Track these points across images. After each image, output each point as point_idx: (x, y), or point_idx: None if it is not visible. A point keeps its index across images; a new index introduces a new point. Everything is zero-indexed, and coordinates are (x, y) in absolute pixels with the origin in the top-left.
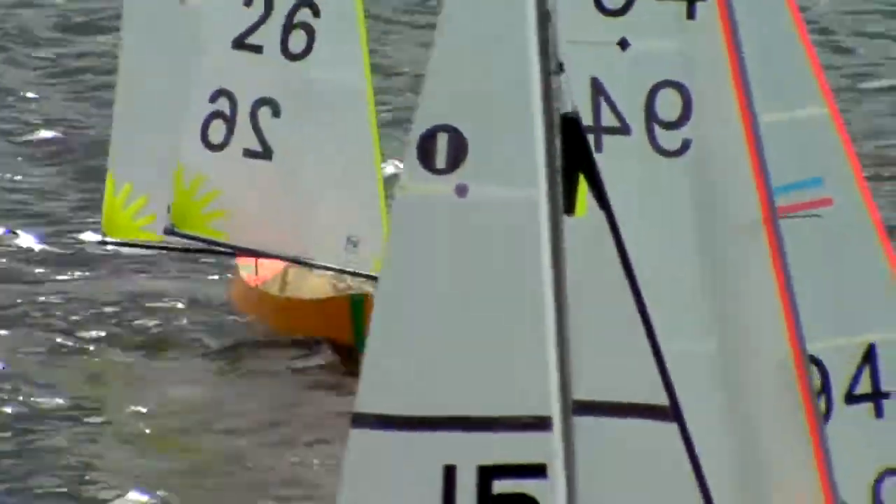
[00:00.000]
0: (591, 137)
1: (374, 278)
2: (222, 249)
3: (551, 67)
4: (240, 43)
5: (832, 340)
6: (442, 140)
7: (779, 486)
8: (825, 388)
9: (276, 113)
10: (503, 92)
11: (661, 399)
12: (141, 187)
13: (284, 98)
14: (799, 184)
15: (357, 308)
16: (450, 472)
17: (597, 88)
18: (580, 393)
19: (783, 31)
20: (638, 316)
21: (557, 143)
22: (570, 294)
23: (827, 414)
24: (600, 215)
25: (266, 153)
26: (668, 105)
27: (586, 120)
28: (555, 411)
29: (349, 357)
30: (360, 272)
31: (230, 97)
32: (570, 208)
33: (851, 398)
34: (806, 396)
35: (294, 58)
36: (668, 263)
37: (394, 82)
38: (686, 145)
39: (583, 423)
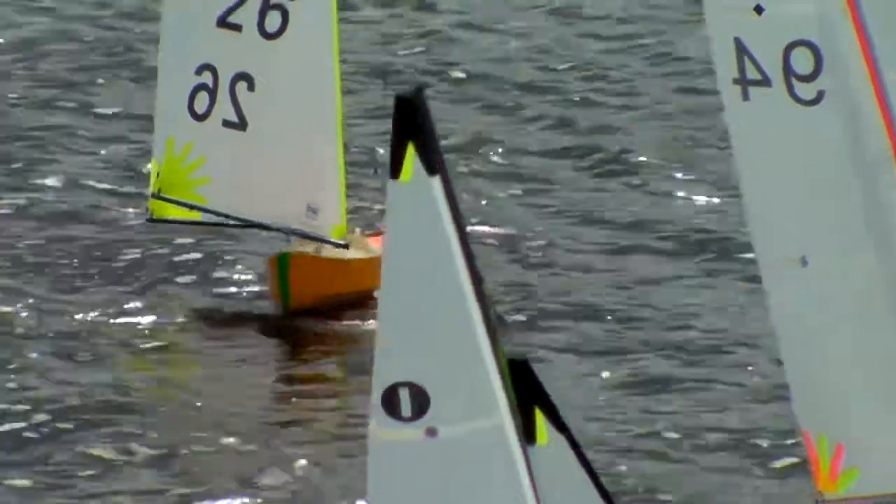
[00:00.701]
0: (738, 88)
1: (333, 243)
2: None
3: (492, 316)
4: (222, 21)
5: None
6: (404, 393)
7: None
8: None
9: (252, 87)
10: (451, 343)
11: None
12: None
13: (259, 74)
14: None
15: (283, 265)
16: None
17: (740, 47)
18: None
19: None
20: None
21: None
22: None
23: None
24: (560, 439)
25: (242, 124)
26: (803, 60)
27: (732, 73)
28: None
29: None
30: (319, 236)
31: (213, 71)
32: (531, 438)
33: None
34: None
35: (269, 37)
36: (814, 196)
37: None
38: (821, 95)
39: None
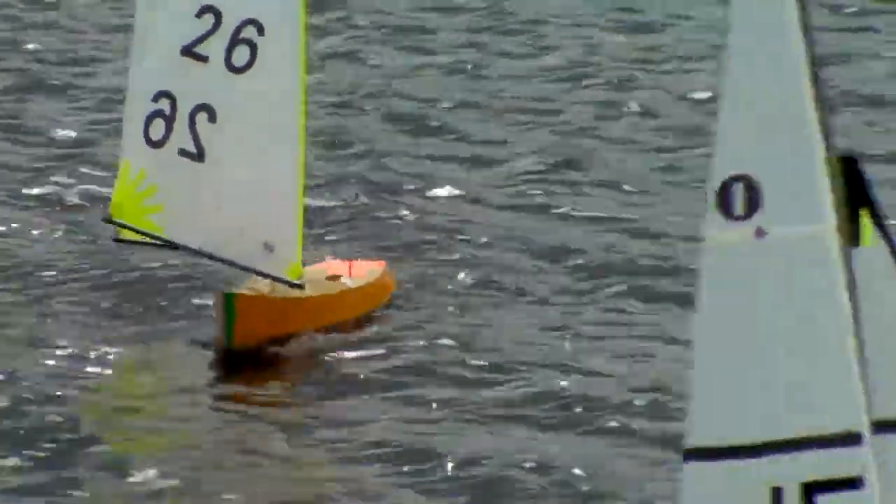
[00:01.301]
0: None
1: (288, 283)
2: (160, 243)
3: (826, 112)
4: (188, 50)
5: None
6: (737, 188)
7: None
8: None
9: (213, 118)
10: (787, 139)
11: None
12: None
13: (221, 106)
14: None
15: (229, 304)
16: (777, 493)
17: None
18: (876, 412)
19: None
20: None
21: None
22: (863, 317)
23: None
24: (883, 247)
25: (199, 155)
26: None
27: None
28: (865, 426)
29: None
30: (273, 275)
31: (171, 98)
32: (856, 240)
33: None
34: None
35: (236, 71)
36: None
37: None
38: None
39: (880, 439)
